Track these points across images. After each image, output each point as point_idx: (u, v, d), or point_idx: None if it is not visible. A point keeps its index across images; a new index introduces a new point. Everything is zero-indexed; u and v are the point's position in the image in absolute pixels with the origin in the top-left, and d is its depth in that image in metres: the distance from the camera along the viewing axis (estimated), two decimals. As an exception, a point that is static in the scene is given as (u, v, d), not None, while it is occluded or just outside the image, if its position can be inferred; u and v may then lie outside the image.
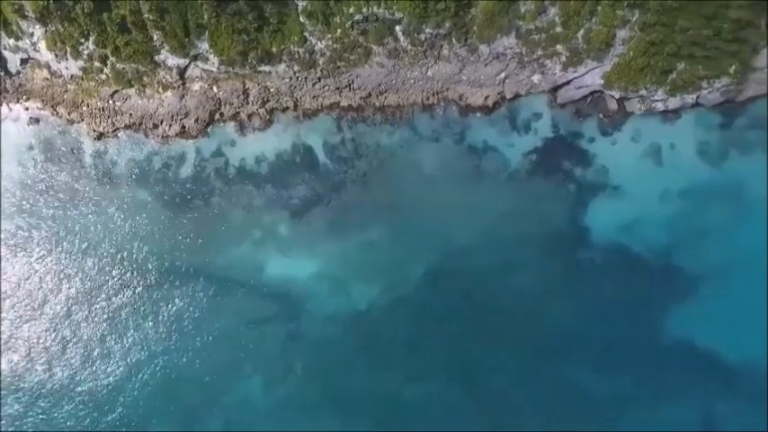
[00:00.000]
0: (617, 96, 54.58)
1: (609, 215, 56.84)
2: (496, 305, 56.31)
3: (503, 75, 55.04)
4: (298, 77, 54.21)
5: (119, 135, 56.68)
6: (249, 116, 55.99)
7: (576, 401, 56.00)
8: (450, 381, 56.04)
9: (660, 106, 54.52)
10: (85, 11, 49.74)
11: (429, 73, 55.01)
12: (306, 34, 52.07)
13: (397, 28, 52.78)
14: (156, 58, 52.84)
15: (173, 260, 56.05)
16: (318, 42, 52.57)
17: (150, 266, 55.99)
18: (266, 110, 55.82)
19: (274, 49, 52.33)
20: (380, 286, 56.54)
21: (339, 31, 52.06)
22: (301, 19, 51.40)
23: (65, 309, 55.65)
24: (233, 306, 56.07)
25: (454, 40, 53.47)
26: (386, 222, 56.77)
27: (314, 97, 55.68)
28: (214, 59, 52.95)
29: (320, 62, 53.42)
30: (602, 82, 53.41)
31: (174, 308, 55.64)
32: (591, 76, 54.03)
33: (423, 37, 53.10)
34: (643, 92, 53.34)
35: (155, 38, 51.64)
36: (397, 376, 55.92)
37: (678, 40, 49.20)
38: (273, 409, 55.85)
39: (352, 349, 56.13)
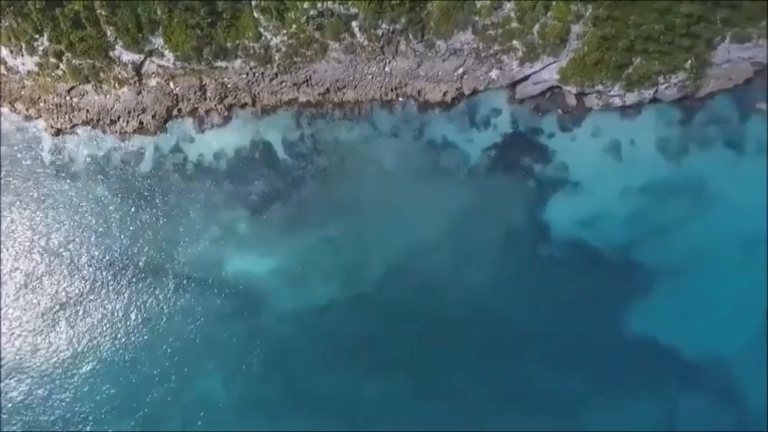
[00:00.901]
0: (574, 92, 54.44)
1: (569, 211, 56.69)
2: (456, 302, 56.14)
3: (461, 70, 54.90)
4: (254, 73, 54.05)
5: (77, 131, 56.53)
6: (207, 112, 55.86)
7: (535, 398, 55.78)
8: (409, 378, 55.71)
9: (618, 101, 54.40)
10: (38, 6, 49.58)
11: (387, 68, 54.87)
12: (260, 30, 51.90)
13: (354, 23, 52.61)
14: (110, 53, 52.65)
15: (131, 256, 55.87)
16: (274, 38, 52.40)
17: (108, 263, 55.84)
18: (224, 106, 55.66)
19: (229, 45, 52.17)
20: (340, 283, 56.34)
21: (294, 26, 51.89)
22: (255, 14, 51.23)
23: (12, 301, 55.32)
24: (192, 303, 55.83)
25: (411, 36, 53.30)
26: (345, 218, 56.59)
27: (272, 93, 55.53)
28: (169, 55, 52.78)
29: (276, 58, 53.25)
30: (559, 77, 53.20)
31: (132, 305, 55.46)
32: (548, 72, 53.90)
33: (379, 32, 52.94)
34: (599, 87, 53.23)
35: (108, 33, 51.48)
36: (357, 373, 55.63)
37: (631, 34, 49.09)
38: (234, 407, 55.60)
39: (313, 346, 55.88)
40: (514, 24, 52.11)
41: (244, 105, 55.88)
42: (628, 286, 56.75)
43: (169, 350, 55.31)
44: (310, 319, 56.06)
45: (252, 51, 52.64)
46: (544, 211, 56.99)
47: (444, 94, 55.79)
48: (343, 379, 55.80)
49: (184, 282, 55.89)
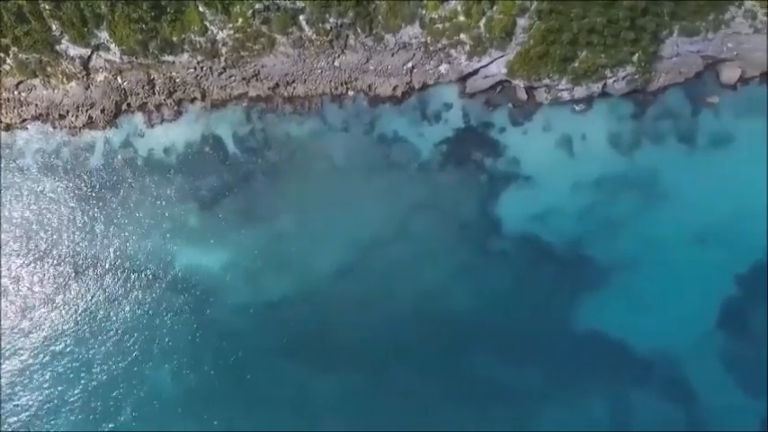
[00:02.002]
0: (523, 86, 54.29)
1: (520, 206, 56.58)
2: (408, 297, 56.03)
3: (410, 64, 54.75)
4: (202, 67, 53.91)
5: (27, 126, 56.42)
6: (157, 107, 55.75)
7: (487, 394, 55.53)
8: (360, 375, 55.51)
9: (566, 95, 54.30)
10: (-20, 1, 49.51)
11: (336, 63, 54.69)
12: (206, 23, 51.73)
13: (301, 17, 52.42)
14: (57, 48, 52.49)
15: (81, 251, 55.79)
16: (220, 32, 52.24)
17: (58, 258, 55.75)
18: (174, 100, 55.55)
19: (174, 39, 51.99)
20: (291, 278, 56.24)
21: (240, 20, 51.71)
22: (200, 8, 51.07)
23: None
24: (142, 297, 55.76)
25: (359, 30, 53.13)
26: (296, 213, 56.49)
27: (221, 87, 55.40)
28: (115, 49, 52.61)
29: (223, 52, 53.09)
30: (506, 71, 53.06)
31: (81, 300, 55.39)
32: (496, 66, 53.76)
33: (327, 26, 52.75)
34: (547, 81, 53.09)
35: (53, 28, 51.31)
36: (309, 369, 55.39)
37: (574, 27, 48.90)
38: (183, 402, 55.41)
39: (264, 341, 55.69)
40: (461, 18, 51.93)
41: (193, 100, 55.78)
42: (580, 281, 56.63)
43: (118, 345, 55.20)
44: (261, 313, 55.93)
45: (198, 45, 52.49)
46: (496, 205, 56.86)
47: (394, 88, 55.63)
48: (294, 375, 55.63)
49: (134, 276, 55.78)
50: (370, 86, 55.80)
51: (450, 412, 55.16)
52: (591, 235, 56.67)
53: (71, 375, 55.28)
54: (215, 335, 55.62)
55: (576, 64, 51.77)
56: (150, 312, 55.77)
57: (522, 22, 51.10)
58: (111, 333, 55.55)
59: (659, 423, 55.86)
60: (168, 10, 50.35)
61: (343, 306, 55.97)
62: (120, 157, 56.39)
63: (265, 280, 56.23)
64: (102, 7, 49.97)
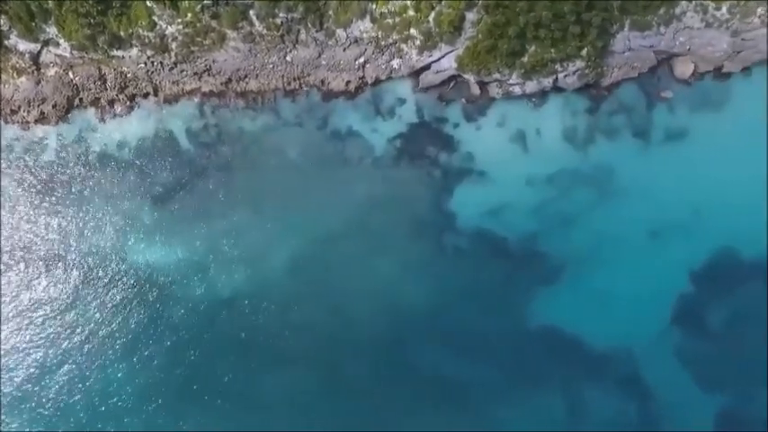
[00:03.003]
0: (473, 80, 54.13)
1: (475, 201, 56.50)
2: (360, 293, 55.93)
3: (362, 59, 54.57)
4: (153, 62, 53.75)
5: (-21, 121, 56.37)
6: (110, 102, 55.56)
7: (441, 391, 55.47)
8: (313, 371, 55.37)
9: (518, 90, 54.13)
10: (-73, -5, 49.38)
11: (288, 58, 54.52)
12: (154, 18, 51.53)
13: (251, 12, 52.22)
14: (6, 42, 52.28)
15: (32, 247, 55.60)
16: (168, 27, 52.04)
17: (9, 254, 55.57)
18: (126, 95, 55.38)
19: (123, 34, 51.80)
20: (244, 273, 56.09)
21: (189, 15, 51.52)
22: (148, 3, 50.86)
23: None
24: (94, 293, 55.56)
25: (310, 25, 52.91)
26: (250, 208, 56.33)
27: (173, 83, 55.25)
28: (65, 44, 52.46)
29: (173, 47, 52.91)
30: (456, 66, 52.88)
31: (32, 296, 55.18)
32: (447, 60, 53.59)
33: (278, 21, 52.54)
34: (497, 75, 52.94)
35: (1, 23, 51.13)
36: (260, 366, 55.26)
37: (521, 21, 48.69)
38: (137, 399, 55.24)
39: (214, 336, 55.58)
40: (411, 13, 51.78)
41: (146, 95, 55.60)
42: (534, 277, 56.61)
43: (69, 342, 55.04)
44: (214, 308, 55.76)
45: (147, 40, 52.29)
46: (450, 201, 56.77)
47: (347, 83, 55.49)
48: (247, 370, 55.46)
49: (87, 272, 55.60)
50: (322, 81, 55.65)
51: (402, 409, 55.08)
52: (545, 230, 56.61)
53: (19, 372, 55.00)
54: (166, 330, 55.40)
55: (525, 58, 51.54)
56: (101, 307, 55.51)
57: (470, 16, 50.93)
58: (59, 329, 55.19)
59: (614, 418, 55.94)
60: (114, 4, 50.14)
61: (296, 301, 55.88)
62: (72, 152, 56.17)
63: (218, 275, 56.03)
64: (50, 2, 49.77)
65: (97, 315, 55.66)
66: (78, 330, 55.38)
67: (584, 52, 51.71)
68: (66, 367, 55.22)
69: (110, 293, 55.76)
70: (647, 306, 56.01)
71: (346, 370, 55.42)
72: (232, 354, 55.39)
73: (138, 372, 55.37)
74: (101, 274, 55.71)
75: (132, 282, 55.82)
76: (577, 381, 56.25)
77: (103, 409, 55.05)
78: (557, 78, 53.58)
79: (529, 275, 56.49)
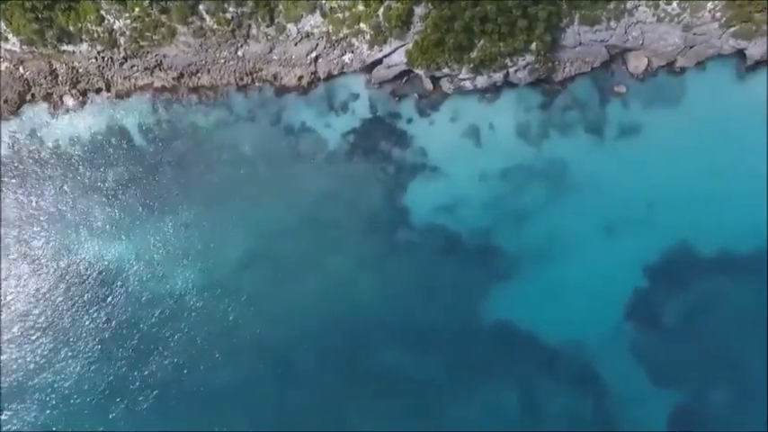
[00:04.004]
0: (425, 75, 54.01)
1: (428, 196, 56.33)
2: (312, 289, 55.66)
3: (313, 54, 54.45)
4: (103, 57, 53.61)
5: (-69, 116, 56.22)
6: (61, 97, 55.42)
7: (394, 387, 55.17)
8: (264, 368, 55.16)
9: (468, 85, 53.99)
10: None
11: (239, 53, 54.39)
12: (102, 12, 51.43)
13: (201, 6, 52.07)
14: (-46, 37, 52.34)
15: (-16, 243, 55.63)
16: (117, 21, 51.92)
17: (-38, 249, 55.61)
18: (78, 91, 55.24)
19: (71, 28, 51.65)
20: (196, 269, 55.88)
21: (137, 9, 51.37)
22: (95, -3, 50.89)
23: None
24: (46, 290, 55.43)
25: (260, 20, 52.80)
26: (203, 204, 56.10)
27: (125, 78, 55.12)
28: (14, 39, 52.29)
29: (122, 42, 52.79)
30: (406, 60, 52.77)
31: (-18, 292, 55.17)
32: (398, 55, 53.44)
33: (228, 16, 52.42)
34: (447, 70, 52.80)
35: (-52, 17, 51.17)
36: (209, 362, 54.99)
37: (466, 15, 48.54)
38: (90, 396, 55.04)
39: (164, 333, 55.39)
40: (360, 7, 51.64)
41: (98, 90, 55.45)
42: (488, 272, 56.44)
43: (20, 339, 54.88)
44: (165, 305, 55.57)
45: (96, 35, 52.18)
46: (404, 196, 56.59)
47: (300, 78, 55.36)
48: (197, 368, 55.18)
49: (38, 268, 55.47)
50: (275, 76, 55.53)
51: (353, 407, 54.87)
52: (499, 226, 56.45)
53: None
54: (118, 327, 55.24)
55: (474, 53, 51.40)
56: (51, 305, 55.31)
57: (418, 10, 50.78)
58: (11, 326, 55.08)
59: (568, 414, 55.81)
60: (61, -1, 50.11)
61: (247, 298, 55.67)
62: (24, 147, 55.88)
63: (170, 270, 55.80)
64: (-5, -4, 49.77)
65: (44, 313, 55.37)
66: (15, 329, 55.06)
67: (533, 47, 51.55)
68: (12, 367, 55.04)
69: (58, 291, 55.40)
70: (602, 302, 55.87)
71: (297, 366, 55.17)
72: (182, 351, 55.11)
73: (76, 370, 54.91)
74: (49, 270, 55.43)
75: (82, 278, 55.55)
76: (532, 377, 56.04)
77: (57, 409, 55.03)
78: (507, 73, 53.42)
79: (483, 271, 56.29)
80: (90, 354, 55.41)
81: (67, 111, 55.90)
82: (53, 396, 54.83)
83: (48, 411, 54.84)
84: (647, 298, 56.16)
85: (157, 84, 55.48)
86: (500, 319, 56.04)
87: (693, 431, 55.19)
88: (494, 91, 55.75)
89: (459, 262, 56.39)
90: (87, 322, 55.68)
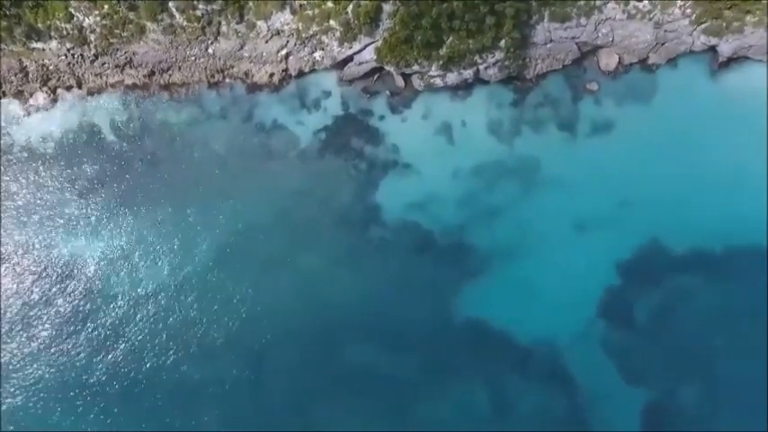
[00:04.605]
0: (395, 72, 53.95)
1: (400, 193, 56.26)
2: (284, 286, 55.57)
3: (284, 51, 54.40)
4: (73, 55, 53.59)
5: None
6: (32, 94, 55.41)
7: (366, 385, 55.11)
8: (237, 366, 54.95)
9: (439, 82, 53.92)
10: None
11: (210, 50, 54.36)
12: (71, 10, 51.39)
13: (170, 3, 52.06)
14: (-76, 35, 52.28)
15: (-44, 240, 55.63)
16: (86, 18, 51.90)
17: (-67, 246, 55.60)
18: (49, 88, 55.25)
19: (40, 26, 51.63)
20: (168, 266, 55.80)
21: (106, 6, 51.37)
22: (63, -7, 50.84)
23: None
24: (16, 287, 55.42)
25: (230, 17, 52.77)
26: (175, 202, 56.05)
27: (96, 75, 55.13)
28: (-17, 36, 52.41)
29: (92, 39, 52.77)
30: (376, 57, 52.69)
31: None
32: (368, 52, 53.38)
33: (198, 13, 52.42)
34: (416, 67, 52.74)
35: None
36: (181, 360, 54.94)
37: (434, 12, 48.47)
38: (59, 394, 54.95)
39: (137, 331, 55.39)
40: (329, 4, 51.58)
41: (69, 88, 55.46)
42: (460, 269, 56.27)
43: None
44: (136, 301, 55.43)
45: (65, 32, 52.16)
46: (376, 193, 56.51)
47: (271, 75, 55.35)
48: (171, 365, 55.14)
49: (8, 266, 55.46)
50: (246, 74, 55.50)
51: (326, 406, 54.64)
52: (471, 223, 56.36)
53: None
54: (90, 324, 55.24)
55: (443, 50, 51.31)
56: (24, 302, 55.31)
57: (387, 7, 50.71)
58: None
59: (539, 413, 55.66)
60: (29, -5, 50.07)
61: (219, 296, 55.58)
62: (-5, 145, 56.10)
63: (141, 267, 55.75)
64: (-39, -7, 49.72)
65: (14, 310, 55.30)
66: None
67: (502, 44, 51.49)
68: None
69: (29, 288, 55.37)
70: (574, 300, 55.64)
71: (269, 365, 54.98)
72: (153, 348, 55.09)
73: (60, 369, 54.99)
74: (23, 267, 55.45)
75: (54, 276, 55.48)
76: (504, 375, 55.81)
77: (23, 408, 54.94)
78: (478, 70, 53.38)
79: (455, 269, 56.15)
80: (51, 350, 55.16)
81: (38, 108, 55.88)
82: (24, 390, 54.90)
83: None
84: (619, 296, 55.99)
85: (128, 81, 55.48)
86: (472, 317, 55.90)
87: (664, 430, 55.08)
88: (465, 88, 55.76)
89: (432, 259, 56.29)
90: (52, 319, 55.50)
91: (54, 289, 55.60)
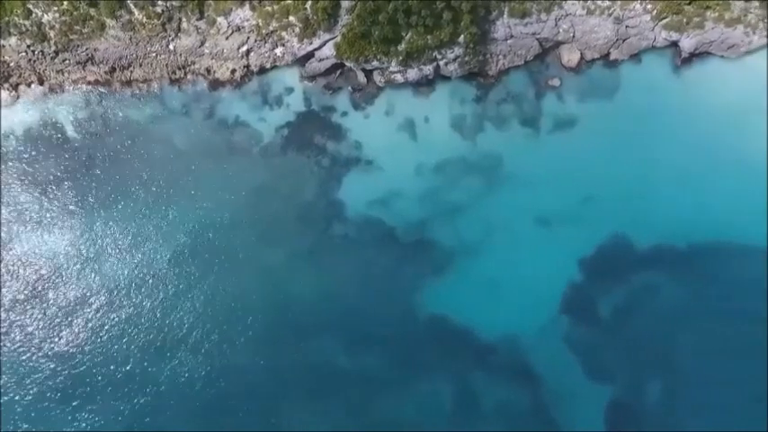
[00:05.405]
0: (356, 68, 53.88)
1: (363, 190, 56.13)
2: (247, 283, 55.41)
3: (245, 48, 54.33)
4: (33, 51, 53.46)
5: None
6: (-7, 91, 55.42)
7: (327, 382, 54.85)
8: (196, 364, 54.60)
9: (399, 78, 53.84)
10: None
11: (170, 46, 54.29)
12: (30, 6, 51.35)
13: (129, 1, 52.05)
14: None
15: None
16: (45, 15, 51.85)
17: None
18: (11, 85, 55.11)
19: (-2, 22, 51.73)
20: (130, 264, 55.64)
21: (65, 2, 51.34)
22: (22, -10, 50.79)
23: None
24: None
25: (190, 13, 52.74)
26: (137, 199, 55.90)
27: (58, 72, 55.02)
28: (-59, 33, 52.36)
29: (51, 35, 52.68)
30: (335, 53, 52.64)
31: None
32: (328, 48, 53.32)
33: (158, 9, 52.40)
34: (376, 63, 52.67)
35: None
36: (142, 357, 54.63)
37: (390, 8, 48.41)
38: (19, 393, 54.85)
39: (97, 329, 55.16)
40: (288, 0, 51.50)
41: (30, 84, 55.35)
42: (424, 266, 56.10)
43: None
44: (99, 302, 55.30)
45: (24, 29, 52.06)
46: (339, 190, 56.37)
47: (232, 71, 55.29)
48: (131, 362, 54.84)
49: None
50: (208, 70, 55.44)
51: (287, 404, 54.35)
52: (435, 219, 56.25)
53: None
54: (49, 323, 55.03)
55: (402, 45, 51.23)
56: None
57: (345, 3, 50.68)
58: None
59: (503, 410, 55.44)
60: (-14, -8, 50.04)
61: (180, 293, 55.28)
62: (-43, 142, 55.97)
63: (103, 265, 55.52)
64: None
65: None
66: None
67: (460, 39, 51.39)
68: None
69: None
70: (538, 294, 55.61)
71: (230, 363, 54.58)
72: (113, 346, 54.78)
73: (20, 367, 54.82)
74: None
75: (14, 274, 55.26)
76: (467, 373, 55.55)
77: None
78: (438, 66, 53.31)
79: (418, 265, 55.97)
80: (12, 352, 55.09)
81: (0, 105, 55.76)
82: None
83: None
84: (583, 292, 55.90)
85: (90, 78, 55.38)
86: (436, 314, 55.70)
87: (629, 430, 54.92)
88: (428, 84, 55.71)
89: (395, 256, 56.12)
90: (14, 317, 55.28)
91: (9, 287, 55.24)
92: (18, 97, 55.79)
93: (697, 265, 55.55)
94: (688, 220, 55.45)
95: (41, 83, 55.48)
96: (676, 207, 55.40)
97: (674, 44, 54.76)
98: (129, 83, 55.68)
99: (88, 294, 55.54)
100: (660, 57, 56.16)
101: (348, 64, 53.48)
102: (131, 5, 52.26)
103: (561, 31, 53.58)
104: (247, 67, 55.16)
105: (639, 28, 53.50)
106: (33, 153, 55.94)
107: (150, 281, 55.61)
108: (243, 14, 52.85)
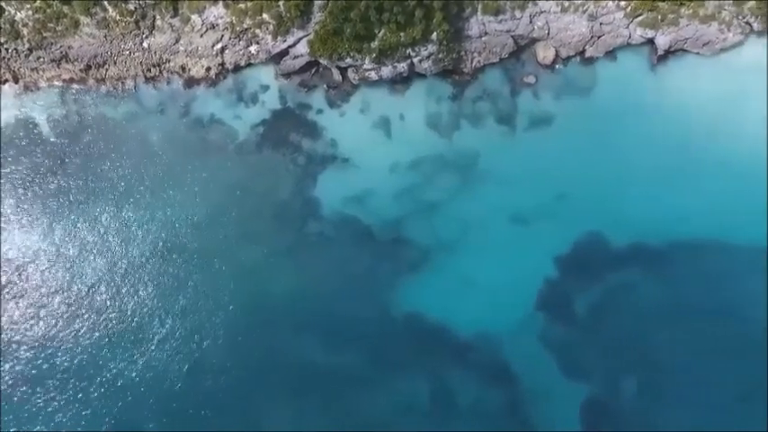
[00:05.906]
0: (330, 66, 53.80)
1: (338, 188, 55.96)
2: (222, 282, 55.29)
3: (220, 45, 54.26)
4: (7, 49, 53.40)
5: None
6: (-32, 89, 55.37)
7: (304, 381, 54.79)
8: (171, 364, 54.56)
9: (374, 75, 53.73)
10: None
11: (145, 44, 54.23)
12: (2, 3, 51.30)
13: (103, -2, 52.15)
14: None
15: None
16: (18, 12, 51.79)
17: None
18: (-15, 83, 55.23)
19: (-29, 20, 51.68)
20: (106, 264, 55.48)
21: (38, 0, 51.29)
22: (-7, -12, 50.76)
23: None
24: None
25: (164, 10, 52.71)
26: (112, 198, 55.84)
27: (32, 70, 54.94)
28: None
29: (25, 33, 52.62)
30: (308, 50, 52.59)
31: None
32: (302, 46, 53.26)
33: (131, 7, 52.37)
34: (349, 60, 52.56)
35: None
36: (117, 357, 54.49)
37: (362, 5, 48.37)
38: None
39: (72, 329, 55.06)
40: (263, -4, 51.58)
41: (5, 82, 55.27)
42: (399, 264, 55.99)
43: None
44: (75, 300, 55.22)
45: (-3, 26, 52.15)
46: (314, 188, 56.22)
47: (207, 69, 55.20)
48: (105, 362, 54.76)
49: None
50: (183, 68, 55.35)
51: (261, 402, 54.20)
52: (410, 217, 56.13)
53: None
54: (24, 322, 54.97)
55: (375, 42, 51.15)
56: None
57: (318, 1, 50.62)
58: None
59: (479, 409, 55.28)
60: (-43, -11, 50.01)
61: (155, 292, 55.19)
62: (-69, 141, 55.89)
63: (79, 264, 55.42)
64: None
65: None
66: None
67: (434, 36, 51.30)
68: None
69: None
70: (514, 291, 55.53)
71: (205, 362, 54.46)
72: (89, 345, 54.64)
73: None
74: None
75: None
76: (443, 372, 55.42)
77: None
78: (412, 63, 53.22)
79: (393, 262, 55.87)
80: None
81: (-26, 103, 55.77)
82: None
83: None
84: (559, 290, 55.79)
85: (65, 75, 55.29)
86: (411, 312, 55.61)
87: (605, 429, 54.75)
88: (403, 82, 55.60)
89: (371, 254, 56.03)
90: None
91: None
92: (-8, 95, 55.79)
93: (673, 262, 55.38)
94: (664, 217, 55.30)
95: (16, 81, 55.39)
96: (652, 205, 55.25)
97: (650, 41, 54.64)
98: (103, 80, 55.58)
99: (52, 294, 55.30)
100: (636, 54, 56.03)
101: (322, 61, 53.41)
102: (105, 3, 52.20)
103: (536, 28, 53.49)
104: (222, 64, 55.10)
105: (614, 25, 53.42)
106: (7, 151, 55.88)
107: (122, 279, 55.48)
108: (217, 12, 52.79)
